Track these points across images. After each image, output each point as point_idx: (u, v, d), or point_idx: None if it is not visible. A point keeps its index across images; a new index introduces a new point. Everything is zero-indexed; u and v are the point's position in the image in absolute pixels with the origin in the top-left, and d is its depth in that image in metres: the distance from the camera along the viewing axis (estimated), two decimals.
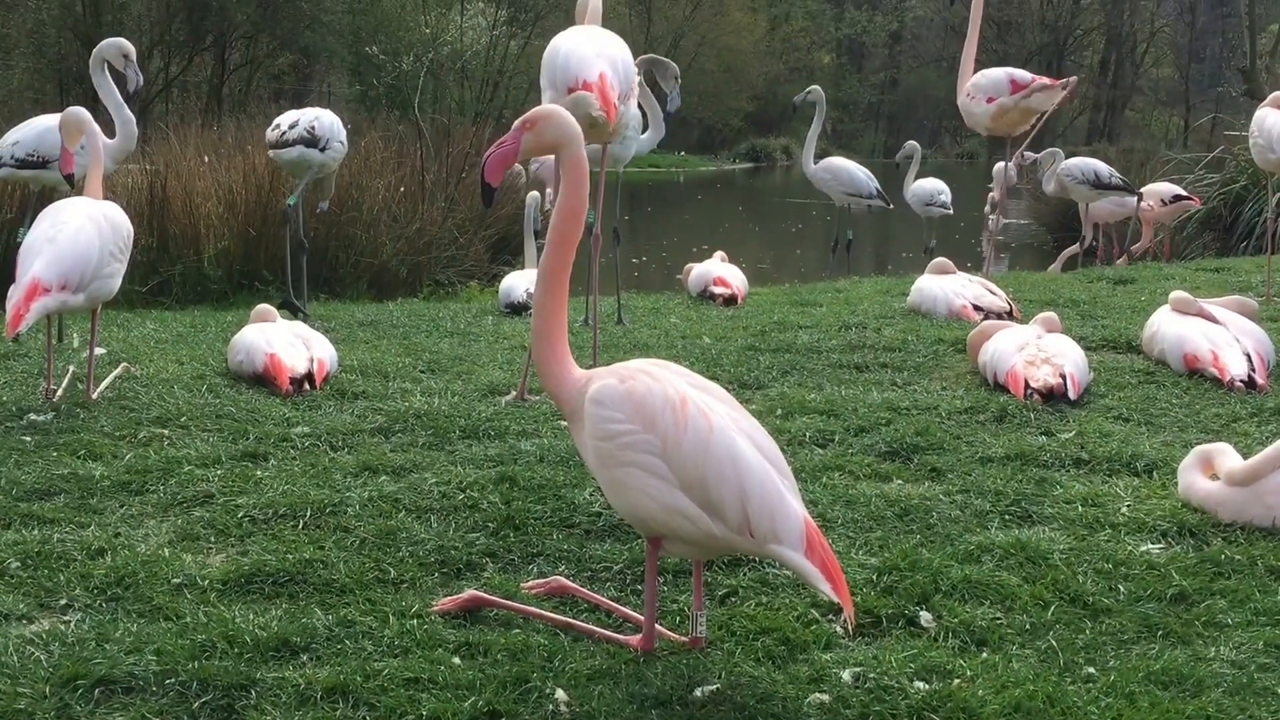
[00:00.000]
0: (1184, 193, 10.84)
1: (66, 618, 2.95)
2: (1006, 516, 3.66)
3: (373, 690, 2.61)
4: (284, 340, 5.09)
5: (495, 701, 2.58)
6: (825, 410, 4.64)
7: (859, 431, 4.41)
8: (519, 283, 7.55)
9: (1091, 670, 2.78)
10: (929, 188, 10.42)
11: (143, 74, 6.25)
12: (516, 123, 2.90)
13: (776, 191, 30.44)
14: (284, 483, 3.80)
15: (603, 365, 2.97)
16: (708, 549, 2.80)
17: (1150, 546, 3.44)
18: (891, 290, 7.92)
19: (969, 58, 8.05)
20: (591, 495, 3.65)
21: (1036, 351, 4.93)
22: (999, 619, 3.01)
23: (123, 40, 6.27)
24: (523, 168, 11.44)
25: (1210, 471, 3.70)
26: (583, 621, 2.98)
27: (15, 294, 4.33)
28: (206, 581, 3.11)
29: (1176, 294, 5.49)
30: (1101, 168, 9.86)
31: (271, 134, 6.99)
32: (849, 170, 9.62)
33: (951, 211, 10.60)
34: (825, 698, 2.65)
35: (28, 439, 4.24)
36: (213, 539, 3.42)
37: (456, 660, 2.75)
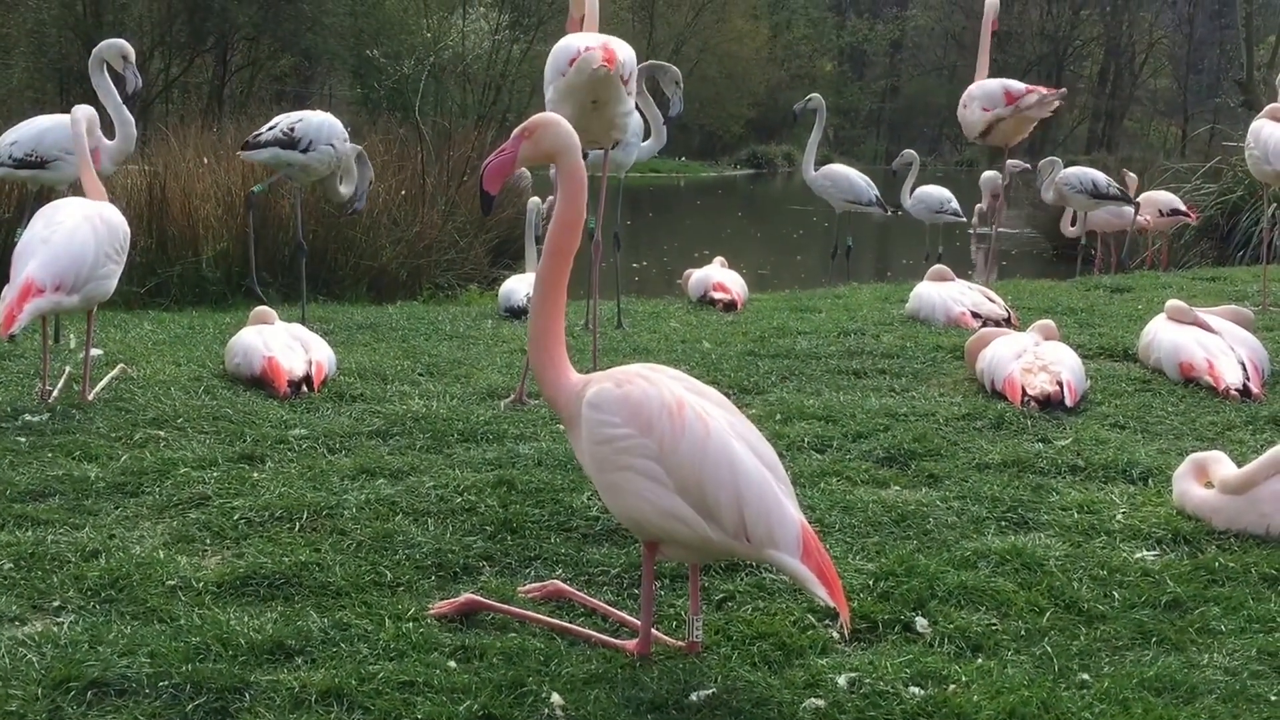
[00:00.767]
0: (1182, 207, 10.87)
1: (59, 620, 2.94)
2: (1003, 523, 3.66)
3: (367, 693, 2.61)
4: (282, 343, 5.09)
5: (490, 705, 2.58)
6: (823, 416, 4.65)
7: (857, 437, 4.41)
8: (519, 287, 7.56)
9: (1085, 676, 2.78)
10: (938, 195, 10.43)
11: (143, 75, 6.25)
12: (515, 131, 2.90)
13: (778, 197, 30.48)
14: (280, 485, 3.80)
15: (602, 370, 2.97)
16: (704, 553, 2.80)
17: (1145, 553, 3.45)
18: (891, 297, 7.93)
19: (982, 69, 8.10)
20: (589, 499, 3.65)
21: (1034, 359, 4.95)
22: (994, 625, 3.02)
23: (122, 42, 6.26)
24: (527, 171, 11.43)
25: (1205, 479, 3.72)
26: (579, 626, 2.97)
27: (9, 295, 4.32)
28: (201, 584, 3.10)
29: (1172, 303, 5.52)
30: (1099, 177, 9.90)
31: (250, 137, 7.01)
32: (848, 177, 9.64)
33: (963, 218, 10.62)
34: (820, 703, 2.65)
35: (22, 440, 4.23)
36: (208, 541, 3.42)
37: (452, 664, 2.75)
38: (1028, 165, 9.41)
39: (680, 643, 2.89)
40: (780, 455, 4.05)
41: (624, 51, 4.66)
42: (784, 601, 3.11)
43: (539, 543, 3.43)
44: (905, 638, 2.96)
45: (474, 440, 4.33)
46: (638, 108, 7.00)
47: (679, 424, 2.68)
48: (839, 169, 9.86)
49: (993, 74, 8.38)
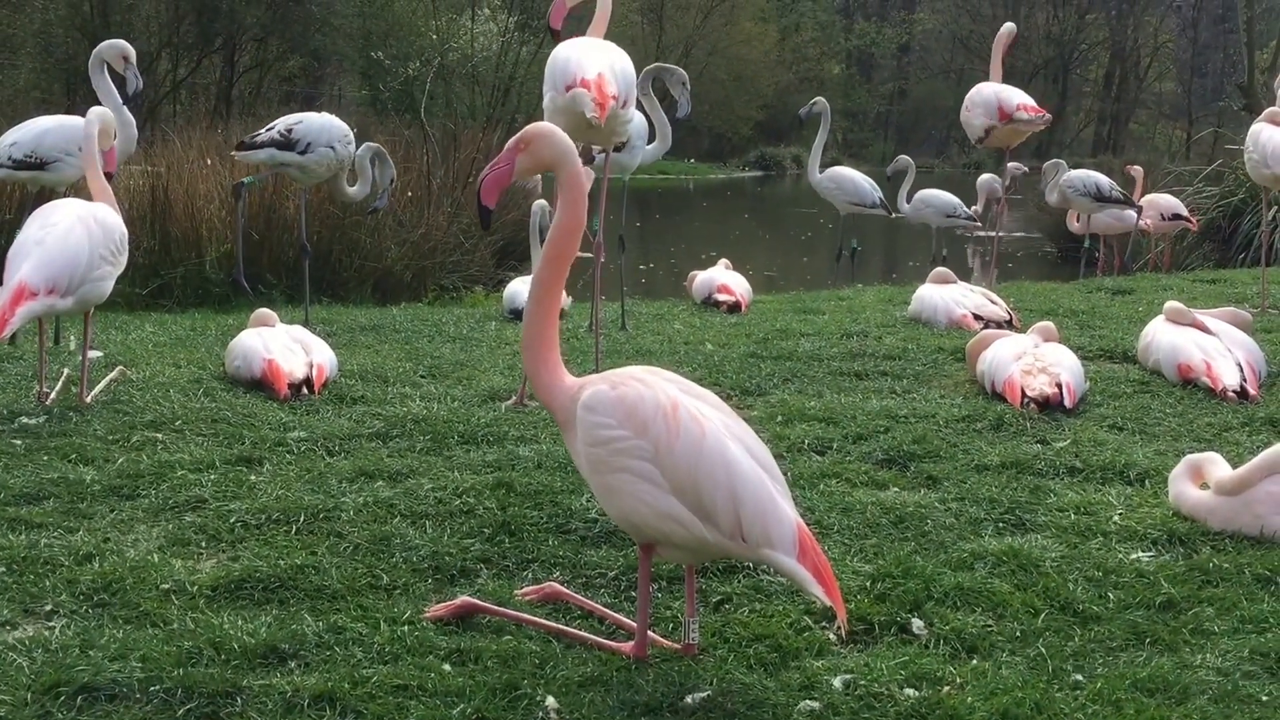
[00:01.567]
0: (1184, 213, 10.87)
1: (51, 624, 2.93)
2: (1000, 524, 3.67)
3: (361, 697, 2.60)
4: (282, 345, 5.10)
5: (484, 709, 2.58)
6: (824, 418, 4.65)
7: (857, 439, 4.42)
8: (524, 289, 7.57)
9: (1079, 677, 2.78)
10: (949, 199, 10.43)
11: (151, 75, 6.28)
12: (510, 142, 2.89)
13: (786, 199, 30.45)
14: (278, 488, 3.79)
15: (605, 371, 2.97)
16: (700, 554, 2.80)
17: (1140, 554, 3.45)
18: (894, 299, 7.93)
19: (995, 77, 8.14)
20: (588, 501, 3.65)
21: (1033, 361, 4.96)
22: (990, 626, 3.02)
23: (123, 43, 6.27)
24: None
25: (1200, 480, 3.72)
26: (576, 628, 2.97)
27: (2, 297, 4.29)
28: (196, 587, 3.10)
29: (1171, 305, 5.53)
30: (1103, 181, 9.90)
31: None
32: (853, 179, 9.64)
33: (977, 221, 10.58)
34: (816, 705, 2.65)
35: (18, 442, 4.21)
36: (203, 544, 3.41)
37: (447, 667, 2.75)
38: (1026, 169, 9.44)
39: (676, 645, 2.89)
40: (781, 457, 4.10)
41: (617, 84, 4.70)
42: (781, 604, 3.11)
43: (537, 545, 3.43)
44: (901, 639, 2.96)
45: (474, 442, 4.34)
46: (643, 111, 7.02)
47: (674, 425, 2.68)
48: (843, 171, 9.86)
49: (1000, 77, 8.40)
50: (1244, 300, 7.49)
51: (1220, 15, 41.68)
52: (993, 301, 6.81)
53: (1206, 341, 5.25)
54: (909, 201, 9.70)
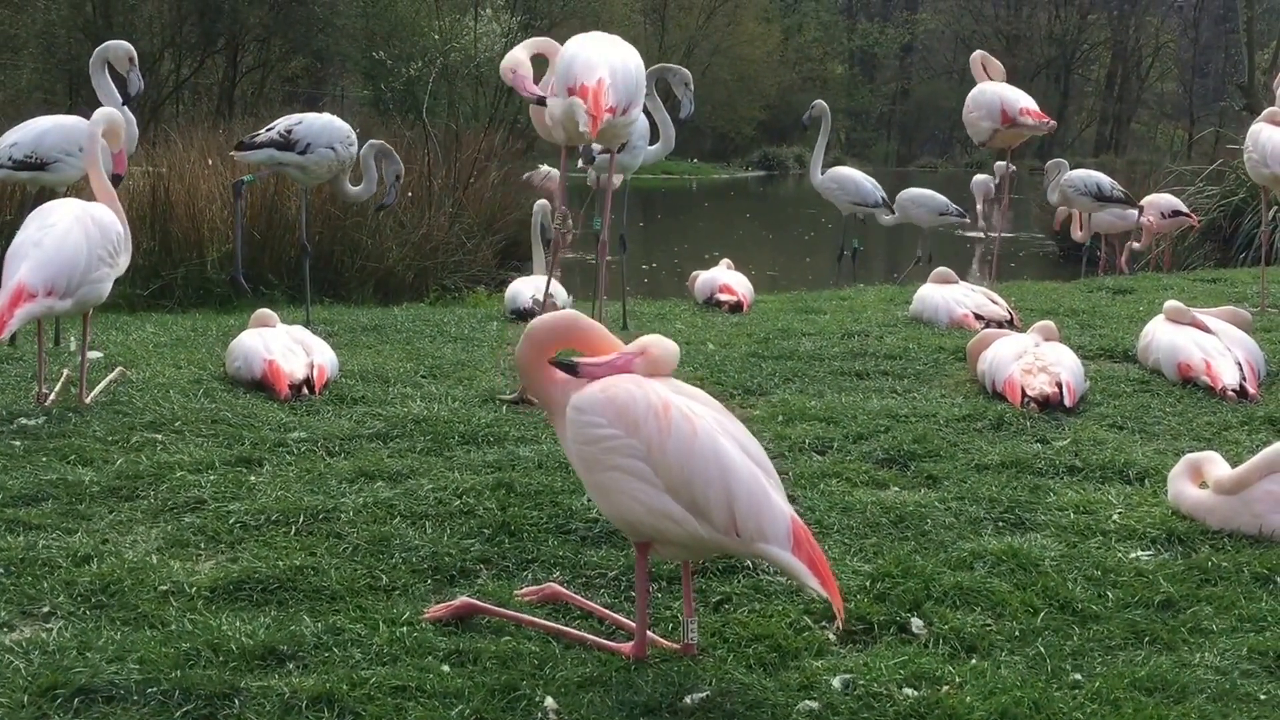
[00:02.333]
0: (1184, 209, 10.91)
1: (49, 625, 2.93)
2: (1000, 523, 3.67)
3: (359, 699, 2.60)
4: (283, 345, 5.10)
5: (483, 710, 2.58)
6: (825, 417, 4.65)
7: (858, 438, 4.42)
8: (525, 289, 7.57)
9: (1078, 676, 2.78)
10: (939, 200, 10.45)
11: (153, 75, 6.30)
12: (632, 347, 2.86)
13: (788, 200, 30.47)
14: (278, 488, 3.79)
15: None
16: (696, 551, 2.81)
17: (1140, 553, 3.45)
18: (895, 299, 7.92)
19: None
20: (588, 502, 3.65)
21: (1034, 360, 4.96)
22: (989, 625, 3.02)
23: (127, 44, 6.29)
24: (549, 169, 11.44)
25: (1199, 480, 3.73)
26: (575, 629, 2.98)
27: (0, 300, 4.30)
28: (194, 589, 3.09)
29: (1171, 304, 5.54)
30: (1104, 180, 9.93)
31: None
32: (854, 180, 9.65)
33: (966, 219, 10.63)
34: (815, 704, 2.66)
35: (17, 444, 4.21)
36: (202, 545, 3.41)
37: (446, 668, 2.75)
38: (1014, 167, 9.46)
39: (676, 645, 2.89)
40: (782, 456, 4.11)
41: (617, 93, 4.70)
42: (780, 604, 3.11)
43: (537, 545, 3.43)
44: (900, 639, 2.96)
45: (474, 443, 4.34)
46: (647, 111, 7.02)
47: (665, 424, 2.69)
48: (845, 171, 9.86)
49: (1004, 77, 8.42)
50: (1244, 300, 7.50)
51: (1221, 15, 41.70)
52: (993, 301, 6.81)
53: (1206, 341, 5.25)
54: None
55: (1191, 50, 43.25)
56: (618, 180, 6.79)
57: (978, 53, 8.29)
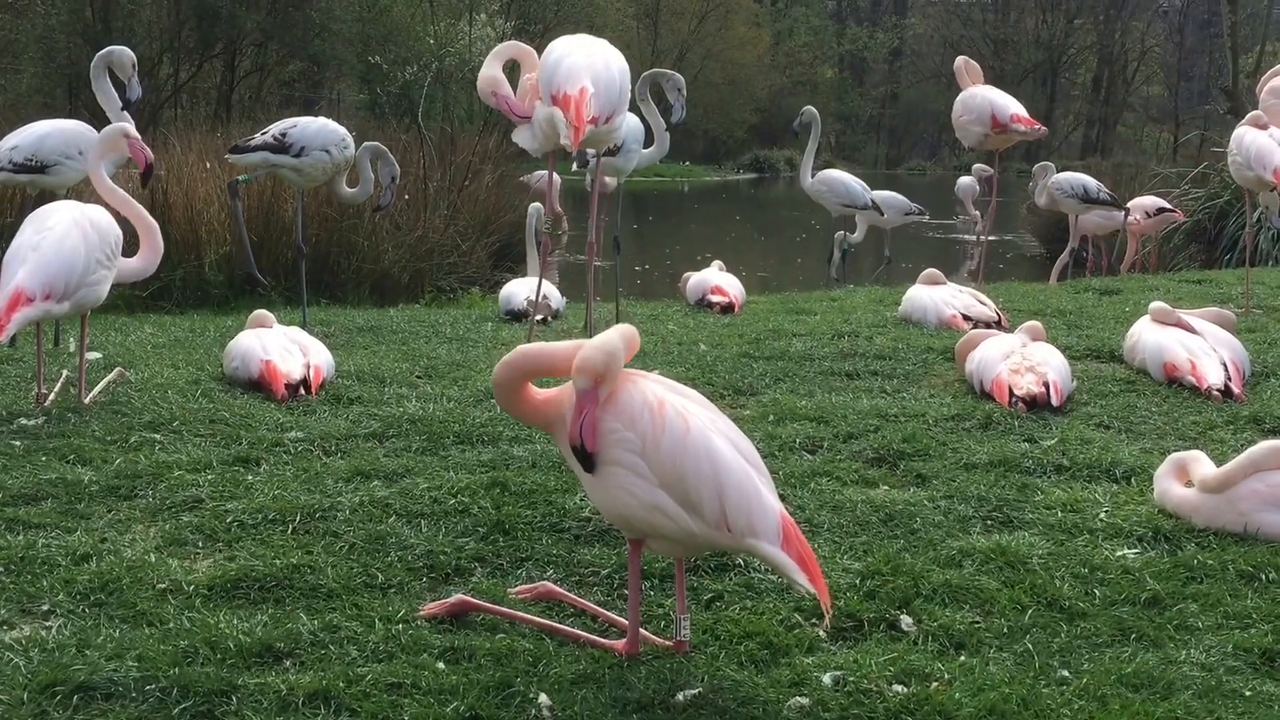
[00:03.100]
0: (1168, 205, 11.01)
1: (48, 624, 2.94)
2: (988, 522, 3.70)
3: (355, 695, 2.63)
4: (280, 346, 5.12)
5: (477, 706, 2.61)
6: (815, 417, 4.68)
7: (848, 438, 4.44)
8: (520, 290, 7.60)
9: (1065, 673, 2.81)
10: (903, 200, 10.57)
11: (152, 80, 6.33)
12: (584, 385, 2.75)
13: (779, 202, 30.52)
14: (275, 488, 3.81)
15: None
16: (688, 546, 2.84)
17: (1126, 551, 3.49)
18: (885, 299, 7.96)
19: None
20: (581, 500, 3.68)
21: (1021, 360, 4.99)
22: (978, 623, 3.05)
23: (128, 50, 6.32)
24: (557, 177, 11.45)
25: (1185, 478, 3.76)
26: (568, 626, 3.01)
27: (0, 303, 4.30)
28: (192, 587, 3.11)
29: (1156, 305, 5.57)
30: (1090, 182, 10.01)
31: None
32: (844, 182, 9.70)
33: (925, 216, 10.78)
34: (805, 701, 2.69)
35: (16, 444, 4.22)
36: (200, 544, 3.42)
37: (441, 665, 2.77)
38: (992, 170, 9.55)
39: (668, 642, 2.92)
40: (772, 456, 4.14)
41: (599, 103, 4.71)
42: (771, 601, 3.14)
43: (531, 544, 3.46)
44: (890, 636, 2.99)
45: (469, 442, 4.36)
46: (641, 115, 7.06)
47: (660, 420, 2.73)
48: (834, 174, 9.92)
49: (991, 80, 8.48)
50: (1229, 300, 7.54)
51: (1205, 20, 41.86)
52: (981, 302, 6.85)
53: (1192, 341, 5.28)
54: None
55: (1176, 54, 43.43)
56: (611, 183, 6.84)
57: (961, 59, 8.34)
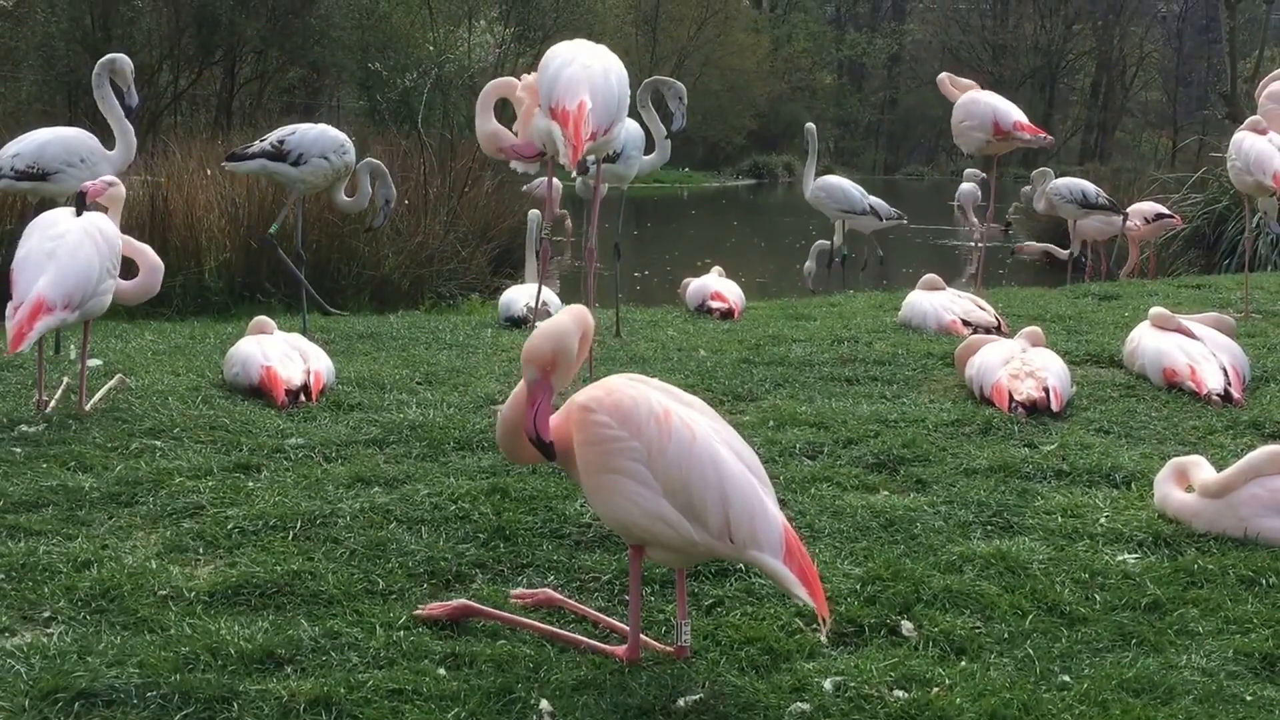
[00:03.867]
0: (1166, 211, 11.03)
1: (49, 630, 2.95)
2: (989, 527, 3.70)
3: (356, 702, 2.63)
4: (280, 352, 5.13)
5: (479, 712, 2.61)
6: (815, 422, 4.68)
7: (848, 443, 4.45)
8: (519, 296, 7.61)
9: (1066, 678, 2.81)
10: (882, 205, 10.63)
11: (152, 87, 6.34)
12: (533, 375, 2.75)
13: (778, 208, 30.54)
14: (275, 494, 3.81)
15: (600, 377, 3.02)
16: (689, 555, 2.84)
17: (1127, 556, 3.49)
18: (884, 305, 7.97)
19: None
20: (582, 506, 3.68)
21: (1021, 365, 5.00)
22: (978, 628, 3.05)
23: (128, 59, 6.33)
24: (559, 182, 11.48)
25: (1185, 483, 3.76)
26: (569, 632, 3.01)
27: (21, 312, 4.35)
28: (193, 593, 3.12)
29: (1156, 310, 5.58)
30: (1089, 187, 10.04)
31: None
32: (842, 187, 9.73)
33: (904, 220, 10.85)
34: (806, 706, 2.69)
35: (18, 450, 4.23)
36: (201, 550, 3.43)
37: (442, 671, 2.78)
38: (983, 174, 9.60)
39: (669, 648, 2.92)
40: (772, 461, 4.14)
41: (597, 118, 4.70)
42: (772, 607, 3.14)
43: (531, 550, 3.46)
44: (891, 641, 3.00)
45: (470, 448, 4.36)
46: (642, 123, 7.06)
47: (665, 429, 2.73)
48: (833, 180, 9.95)
49: (989, 86, 8.50)
50: (1228, 305, 7.56)
51: (1204, 25, 41.90)
52: (981, 307, 6.86)
53: (1191, 346, 5.29)
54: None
55: (1175, 59, 43.46)
56: (604, 188, 6.84)
57: (944, 74, 8.38)
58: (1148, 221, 10.84)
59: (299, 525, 3.56)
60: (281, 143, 6.69)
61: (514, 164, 5.62)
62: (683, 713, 2.66)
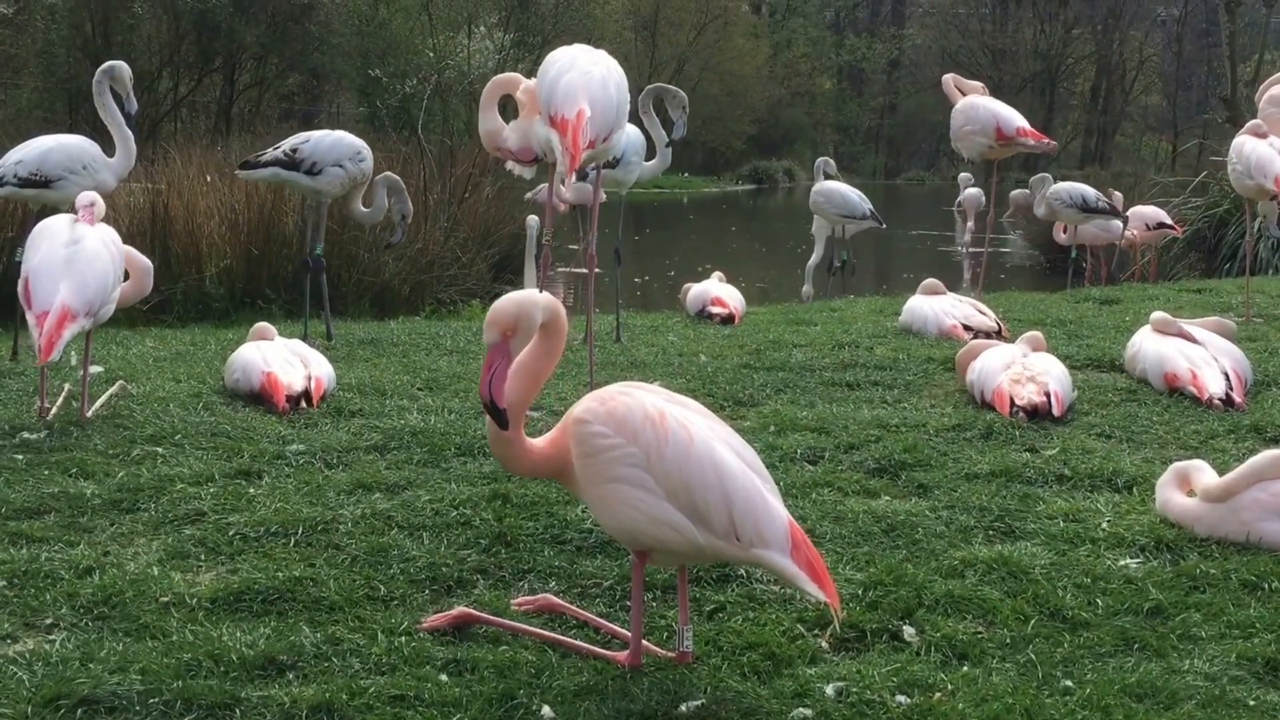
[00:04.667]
0: (1168, 220, 11.04)
1: (52, 637, 2.95)
2: (990, 532, 3.70)
3: (358, 708, 2.63)
4: (281, 358, 5.13)
5: (481, 719, 2.61)
6: (816, 428, 4.68)
7: (849, 448, 4.45)
8: None
9: (1069, 683, 2.81)
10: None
11: (152, 94, 6.34)
12: (493, 338, 2.74)
13: (778, 212, 30.58)
14: (277, 500, 3.82)
15: (600, 383, 3.02)
16: (695, 558, 2.84)
17: (1129, 561, 3.49)
18: (885, 310, 7.98)
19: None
20: (583, 512, 3.68)
21: (1022, 370, 5.00)
22: (980, 633, 3.06)
23: (127, 66, 6.34)
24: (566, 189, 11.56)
25: (1187, 488, 3.76)
26: (571, 638, 3.01)
27: (49, 321, 4.40)
28: (195, 600, 3.12)
29: (1157, 315, 5.58)
30: (1089, 192, 10.03)
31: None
32: (841, 193, 9.74)
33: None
34: (808, 712, 2.69)
35: (19, 457, 4.23)
36: (203, 557, 3.43)
37: (444, 677, 2.78)
38: (972, 178, 9.64)
39: (671, 653, 2.92)
40: (774, 467, 4.14)
41: (595, 127, 4.69)
42: (774, 612, 3.14)
43: (533, 556, 3.47)
44: (893, 646, 3.00)
45: (471, 454, 4.36)
46: (643, 129, 7.07)
47: (662, 432, 2.74)
48: (831, 185, 9.96)
49: (989, 91, 8.51)
50: (1229, 309, 7.56)
51: (1204, 29, 41.92)
52: (981, 312, 6.87)
53: (1192, 350, 5.29)
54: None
55: (1175, 64, 43.47)
56: (603, 195, 6.84)
57: (949, 76, 8.40)
58: (1149, 228, 10.85)
59: (300, 531, 3.56)
60: (294, 151, 6.60)
61: (510, 165, 5.63)
62: (685, 718, 2.66)
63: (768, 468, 2.92)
